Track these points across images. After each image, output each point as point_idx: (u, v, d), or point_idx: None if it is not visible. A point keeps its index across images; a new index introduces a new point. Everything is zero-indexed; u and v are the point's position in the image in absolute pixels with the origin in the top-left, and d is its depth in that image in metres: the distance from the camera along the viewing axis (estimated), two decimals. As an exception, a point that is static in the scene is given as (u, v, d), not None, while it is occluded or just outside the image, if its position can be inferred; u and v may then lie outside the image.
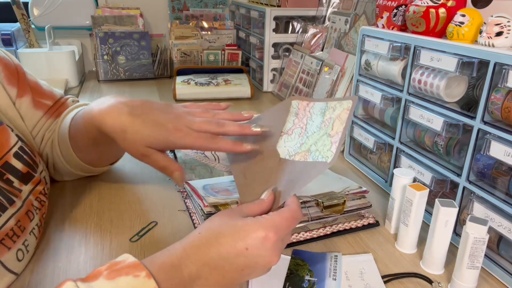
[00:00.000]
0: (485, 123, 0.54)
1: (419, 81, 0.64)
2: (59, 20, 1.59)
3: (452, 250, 0.56)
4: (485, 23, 0.56)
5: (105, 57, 1.47)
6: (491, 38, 0.54)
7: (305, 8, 1.35)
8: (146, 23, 1.72)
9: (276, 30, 1.36)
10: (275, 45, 1.37)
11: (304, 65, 1.22)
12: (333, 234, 0.62)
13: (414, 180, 0.61)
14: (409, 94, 0.68)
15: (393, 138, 0.73)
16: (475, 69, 0.55)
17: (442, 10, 0.63)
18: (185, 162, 0.76)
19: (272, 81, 1.43)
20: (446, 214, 0.51)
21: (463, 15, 0.58)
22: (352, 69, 0.95)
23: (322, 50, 1.20)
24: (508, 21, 0.53)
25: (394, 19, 0.74)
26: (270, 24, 1.33)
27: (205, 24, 1.64)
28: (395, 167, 0.73)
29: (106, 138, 0.57)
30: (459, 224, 0.60)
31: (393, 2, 0.73)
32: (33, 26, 1.51)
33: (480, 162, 0.55)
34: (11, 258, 0.49)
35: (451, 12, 0.62)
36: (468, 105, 0.61)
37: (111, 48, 1.46)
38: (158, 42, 1.70)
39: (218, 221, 0.44)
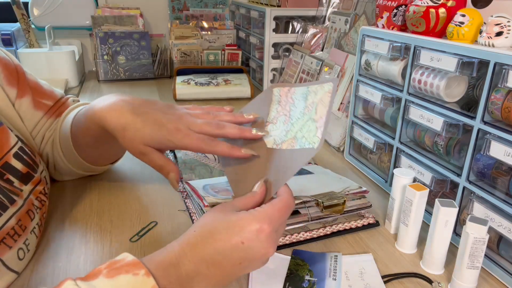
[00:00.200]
0: (485, 123, 0.54)
1: (419, 81, 0.64)
2: (59, 20, 1.59)
3: (452, 250, 0.56)
4: (485, 23, 0.56)
5: (105, 57, 1.47)
6: (491, 38, 0.54)
7: (305, 8, 1.35)
8: (146, 23, 1.72)
9: (276, 30, 1.36)
10: (275, 45, 1.37)
11: (304, 65, 1.22)
12: (333, 234, 0.62)
13: (414, 180, 0.61)
14: (409, 94, 0.68)
15: (393, 138, 0.73)
16: (475, 69, 0.55)
17: (442, 10, 0.63)
18: (185, 162, 0.75)
19: (272, 81, 1.43)
20: (446, 214, 0.51)
21: (463, 15, 0.58)
22: (352, 69, 0.95)
23: (322, 50, 1.20)
24: (508, 21, 0.53)
25: (394, 19, 0.74)
26: (270, 24, 1.33)
27: (205, 24, 1.64)
28: (395, 167, 0.73)
29: (108, 136, 0.57)
30: (459, 224, 0.60)
31: (393, 2, 0.73)
32: (33, 26, 1.51)
33: (480, 162, 0.55)
34: (12, 257, 0.49)
35: (451, 12, 0.62)
36: (468, 105, 0.61)
37: (111, 48, 1.46)
38: (158, 42, 1.70)
39: (212, 217, 0.44)
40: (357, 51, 0.82)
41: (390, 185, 0.74)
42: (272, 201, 0.46)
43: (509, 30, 0.53)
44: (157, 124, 0.53)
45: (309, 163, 0.83)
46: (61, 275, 0.51)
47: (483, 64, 0.54)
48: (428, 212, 0.64)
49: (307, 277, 0.52)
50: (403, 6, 0.72)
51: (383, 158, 0.79)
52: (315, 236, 0.60)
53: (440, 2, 0.63)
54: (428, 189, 0.56)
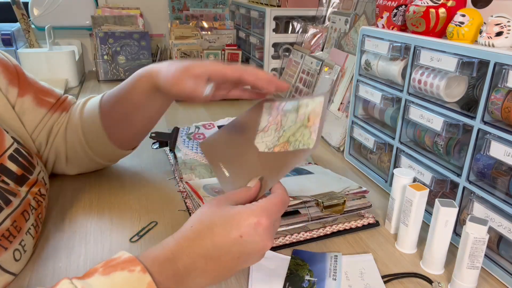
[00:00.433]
0: (485, 123, 0.54)
1: (419, 81, 0.64)
2: (59, 20, 1.59)
3: (452, 250, 0.56)
4: (485, 23, 0.56)
5: (105, 57, 1.47)
6: (491, 38, 0.54)
7: (305, 8, 1.35)
8: (146, 23, 1.72)
9: (276, 30, 1.36)
10: (275, 45, 1.37)
11: (304, 65, 1.22)
12: (333, 234, 0.62)
13: (414, 180, 0.61)
14: (409, 94, 0.68)
15: (393, 138, 0.73)
16: (475, 69, 0.55)
17: (442, 10, 0.63)
18: (185, 162, 0.76)
19: (272, 81, 1.43)
20: (446, 214, 0.51)
21: (463, 15, 0.58)
22: (352, 69, 0.95)
23: (322, 50, 1.20)
24: (508, 21, 0.53)
25: (394, 19, 0.74)
26: (270, 24, 1.33)
27: (205, 24, 1.64)
28: (395, 167, 0.73)
29: (152, 95, 0.64)
30: (459, 224, 0.60)
31: (393, 2, 0.73)
32: (33, 26, 1.51)
33: (480, 162, 0.55)
34: (7, 259, 0.49)
35: (451, 12, 0.62)
36: (468, 105, 0.61)
37: (111, 48, 1.46)
38: (158, 42, 1.71)
39: (208, 212, 0.44)
40: (357, 51, 0.82)
41: (390, 185, 0.74)
42: (267, 196, 0.46)
43: (509, 30, 0.53)
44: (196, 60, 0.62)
45: (309, 163, 0.83)
46: (61, 276, 0.51)
47: (483, 64, 0.54)
48: (428, 212, 0.64)
49: (307, 277, 0.52)
50: (403, 6, 0.72)
51: (383, 158, 0.79)
52: (315, 236, 0.60)
53: (440, 2, 0.63)
54: (428, 189, 0.56)
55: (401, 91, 0.70)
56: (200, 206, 0.61)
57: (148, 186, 0.75)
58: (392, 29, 0.74)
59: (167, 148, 0.87)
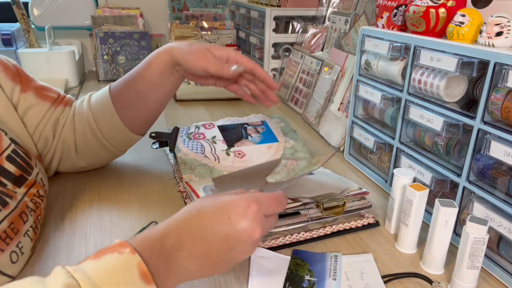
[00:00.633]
0: (485, 123, 0.54)
1: (419, 81, 0.64)
2: (59, 20, 1.59)
3: (452, 250, 0.56)
4: (485, 23, 0.56)
5: (105, 57, 1.47)
6: (491, 38, 0.54)
7: (305, 8, 1.35)
8: (146, 23, 1.72)
9: (276, 30, 1.36)
10: (275, 45, 1.37)
11: (304, 65, 1.22)
12: (333, 234, 0.62)
13: (414, 180, 0.61)
14: (409, 94, 0.68)
15: (393, 138, 0.73)
16: (475, 69, 0.55)
17: (442, 10, 0.63)
18: (185, 162, 0.75)
19: (272, 81, 1.43)
20: (446, 214, 0.51)
21: (463, 15, 0.58)
22: (352, 69, 0.95)
23: (322, 50, 1.20)
24: (508, 21, 0.53)
25: (394, 19, 0.74)
26: (270, 24, 1.33)
27: (205, 24, 1.64)
28: (395, 167, 0.73)
29: (167, 72, 0.70)
30: (459, 224, 0.60)
31: (393, 2, 0.73)
32: (33, 26, 1.51)
33: (480, 162, 0.55)
34: (4, 261, 0.48)
35: (451, 12, 0.62)
36: (468, 105, 0.61)
37: (111, 48, 1.46)
38: (158, 42, 1.70)
39: (202, 199, 0.46)
40: (357, 51, 0.82)
41: (390, 185, 0.74)
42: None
43: (509, 30, 0.53)
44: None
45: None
46: (61, 275, 0.51)
47: (483, 64, 0.54)
48: (428, 212, 0.64)
49: (307, 277, 0.52)
50: (403, 6, 0.72)
51: (383, 158, 0.79)
52: (315, 236, 0.60)
53: (440, 2, 0.63)
54: (428, 189, 0.56)
55: (401, 91, 0.70)
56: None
57: (148, 186, 0.75)
58: (392, 29, 0.74)
59: (167, 148, 0.87)
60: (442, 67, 0.59)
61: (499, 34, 0.53)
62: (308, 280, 0.52)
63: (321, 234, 0.61)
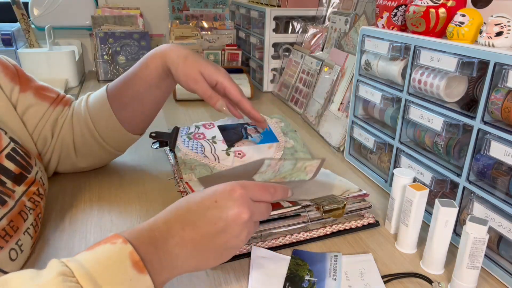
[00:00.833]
0: (485, 123, 0.54)
1: (419, 81, 0.64)
2: (59, 20, 1.59)
3: (452, 250, 0.56)
4: (485, 23, 0.56)
5: (105, 57, 1.47)
6: (491, 38, 0.54)
7: (305, 8, 1.35)
8: (146, 23, 1.72)
9: (276, 30, 1.36)
10: (275, 45, 1.37)
11: (304, 65, 1.22)
12: (333, 234, 0.62)
13: (414, 180, 0.61)
14: (409, 94, 0.68)
15: (393, 138, 0.73)
16: (475, 69, 0.55)
17: (442, 10, 0.63)
18: (185, 162, 0.75)
19: (272, 81, 1.43)
20: (446, 214, 0.51)
21: (463, 15, 0.58)
22: (352, 69, 0.95)
23: (322, 50, 1.20)
24: (508, 21, 0.53)
25: (394, 19, 0.74)
26: (270, 24, 1.33)
27: (205, 24, 1.64)
28: (395, 167, 0.73)
29: (162, 75, 0.69)
30: (459, 224, 0.60)
31: (393, 2, 0.73)
32: (33, 26, 1.51)
33: (480, 162, 0.55)
34: (3, 258, 0.48)
35: (451, 12, 0.62)
36: (468, 105, 0.61)
37: (111, 48, 1.46)
38: (158, 42, 1.70)
39: (189, 195, 0.48)
40: (357, 51, 0.82)
41: (390, 185, 0.74)
42: None
43: (509, 30, 0.53)
44: (208, 61, 0.70)
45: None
46: (61, 275, 0.51)
47: (483, 64, 0.54)
48: (428, 212, 0.64)
49: (307, 277, 0.52)
50: (403, 6, 0.72)
51: (383, 158, 0.79)
52: (315, 236, 0.60)
53: (440, 2, 0.63)
54: (428, 189, 0.56)
55: (401, 91, 0.70)
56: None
57: (148, 186, 0.75)
58: (392, 29, 0.75)
59: (167, 148, 0.87)
60: (442, 67, 0.59)
61: (499, 34, 0.53)
62: (308, 280, 0.52)
63: (321, 234, 0.61)
